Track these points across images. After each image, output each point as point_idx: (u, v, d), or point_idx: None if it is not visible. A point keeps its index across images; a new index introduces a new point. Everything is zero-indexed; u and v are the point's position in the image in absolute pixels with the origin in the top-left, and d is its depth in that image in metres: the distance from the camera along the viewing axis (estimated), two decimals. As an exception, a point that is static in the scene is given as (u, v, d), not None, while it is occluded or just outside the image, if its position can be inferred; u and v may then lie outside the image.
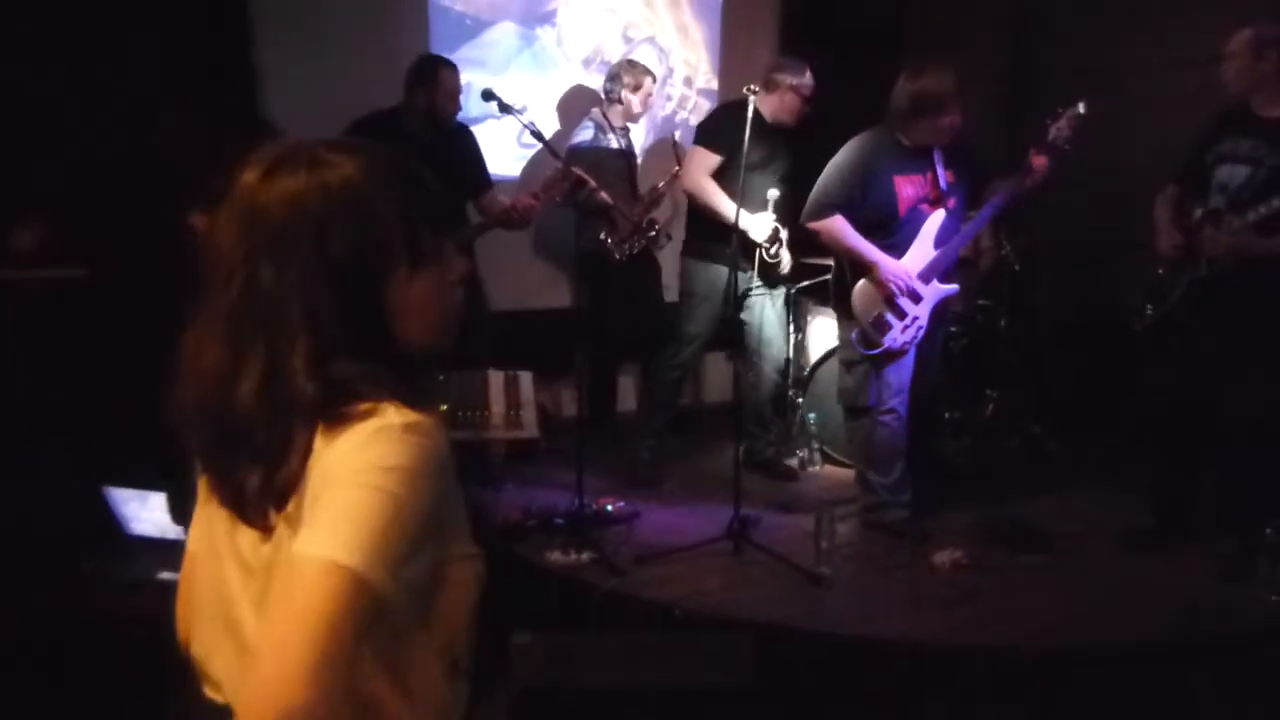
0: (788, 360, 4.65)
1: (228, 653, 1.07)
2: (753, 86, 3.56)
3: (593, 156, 4.35)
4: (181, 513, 2.46)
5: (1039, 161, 3.46)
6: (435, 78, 3.93)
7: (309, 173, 0.99)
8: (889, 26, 5.17)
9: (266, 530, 1.01)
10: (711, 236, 3.99)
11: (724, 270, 3.90)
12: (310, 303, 0.97)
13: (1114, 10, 4.66)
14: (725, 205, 3.88)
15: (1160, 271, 3.48)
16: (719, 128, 4.05)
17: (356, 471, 0.93)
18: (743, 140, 3.47)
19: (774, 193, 4.05)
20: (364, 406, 0.97)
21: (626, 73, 4.49)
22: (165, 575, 2.69)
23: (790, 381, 4.70)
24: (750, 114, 3.46)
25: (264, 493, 0.99)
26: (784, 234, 4.09)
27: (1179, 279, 3.40)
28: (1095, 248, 4.47)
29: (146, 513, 2.82)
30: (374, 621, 0.93)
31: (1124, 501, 3.80)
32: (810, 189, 3.64)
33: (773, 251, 4.09)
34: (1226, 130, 3.35)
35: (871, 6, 5.21)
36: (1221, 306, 3.27)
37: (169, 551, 2.73)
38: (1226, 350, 3.27)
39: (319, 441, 0.97)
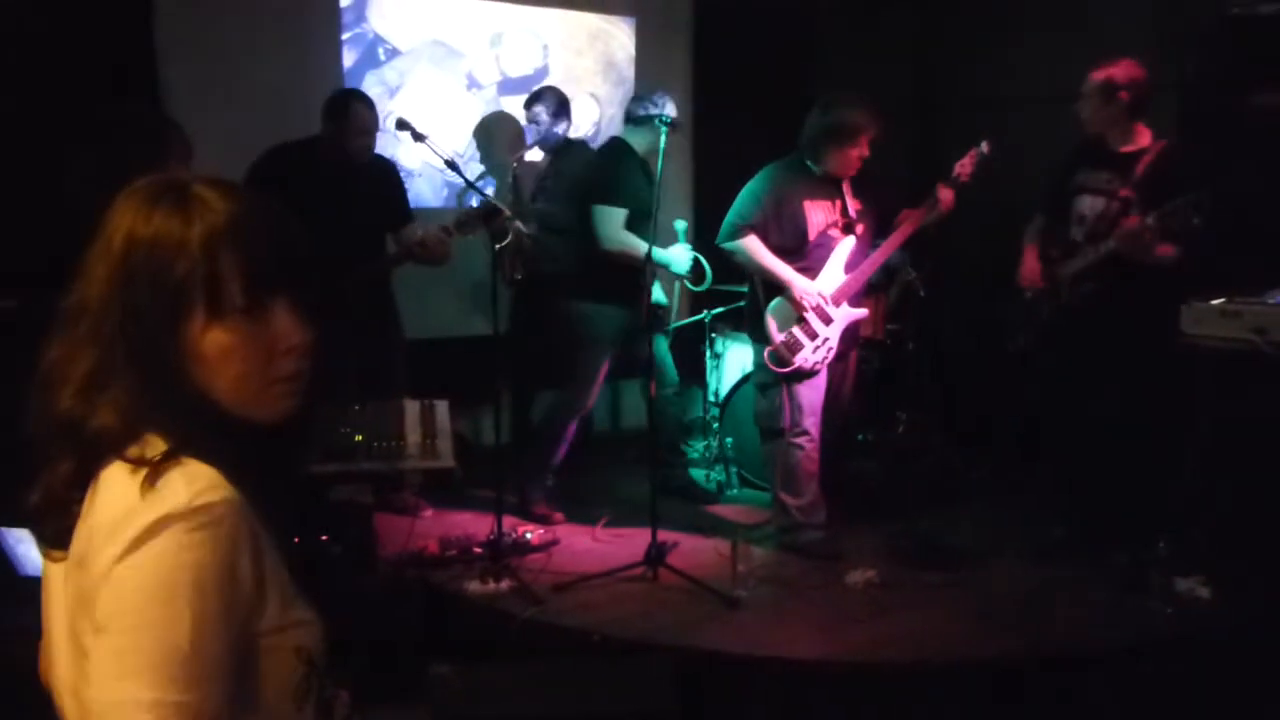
0: (704, 386, 4.70)
1: (67, 693, 1.02)
2: (651, 112, 3.68)
3: None
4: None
5: (945, 194, 3.61)
6: (346, 112, 3.78)
7: (146, 203, 0.99)
8: (798, 59, 5.30)
9: (56, 557, 1.01)
10: (609, 278, 3.91)
11: (621, 311, 3.94)
12: (99, 323, 0.97)
13: (1010, 44, 4.88)
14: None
15: (1029, 296, 3.69)
16: (618, 182, 3.92)
17: (139, 588, 0.89)
18: (636, 187, 3.69)
19: (682, 223, 4.12)
20: (141, 454, 0.95)
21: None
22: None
23: (706, 406, 4.75)
24: (635, 156, 3.69)
25: (36, 511, 0.99)
26: (705, 262, 4.14)
27: (1043, 305, 3.62)
28: (986, 275, 4.64)
29: (43, 551, 2.71)
30: None
31: (1030, 518, 3.93)
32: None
33: (693, 280, 4.15)
34: (1084, 161, 3.56)
35: (781, 38, 5.33)
36: (1084, 329, 3.49)
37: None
38: (1092, 369, 3.48)
39: (102, 483, 0.95)
